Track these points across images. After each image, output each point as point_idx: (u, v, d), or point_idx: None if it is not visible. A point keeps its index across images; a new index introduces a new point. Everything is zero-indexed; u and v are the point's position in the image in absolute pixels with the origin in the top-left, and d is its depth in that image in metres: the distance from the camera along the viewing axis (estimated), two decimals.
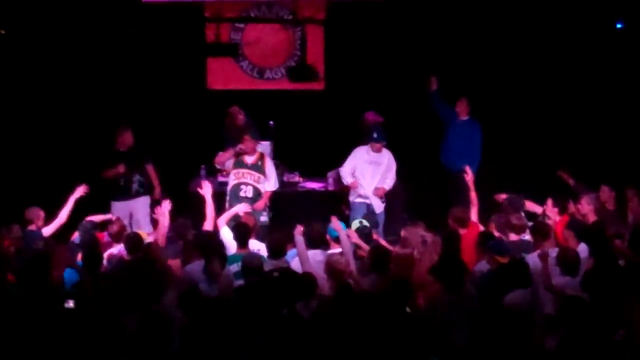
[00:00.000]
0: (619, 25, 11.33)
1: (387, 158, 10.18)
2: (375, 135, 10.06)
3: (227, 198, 9.77)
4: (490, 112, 11.20)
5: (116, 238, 8.26)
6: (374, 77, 11.68)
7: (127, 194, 10.28)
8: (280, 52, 12.29)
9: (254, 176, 9.79)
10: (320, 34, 12.06)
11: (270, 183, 9.88)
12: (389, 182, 10.19)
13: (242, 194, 9.71)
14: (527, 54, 11.51)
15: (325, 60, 12.06)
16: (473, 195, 8.78)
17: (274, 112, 11.09)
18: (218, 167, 10.25)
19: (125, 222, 9.81)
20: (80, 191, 8.99)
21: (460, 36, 11.52)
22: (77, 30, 11.24)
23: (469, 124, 10.88)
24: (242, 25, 12.24)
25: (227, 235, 8.16)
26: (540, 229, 7.87)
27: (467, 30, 11.49)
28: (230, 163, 9.93)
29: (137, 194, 10.34)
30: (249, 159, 9.84)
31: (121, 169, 10.17)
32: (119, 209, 10.07)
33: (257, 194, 9.75)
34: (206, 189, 8.68)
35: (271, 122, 10.72)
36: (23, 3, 11.02)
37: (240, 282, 7.18)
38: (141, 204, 10.33)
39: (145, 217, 10.16)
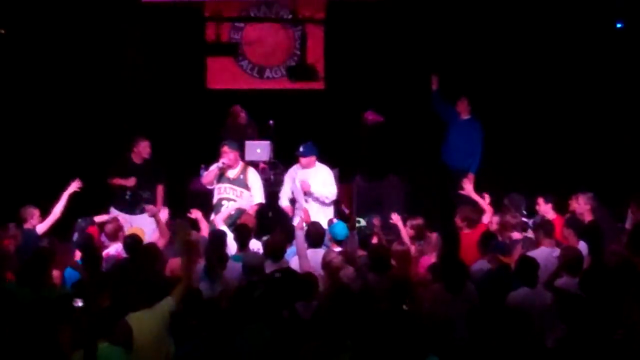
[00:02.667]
0: (618, 25, 11.33)
1: (313, 175, 9.40)
2: (301, 149, 9.38)
3: (212, 214, 9.24)
4: (490, 111, 11.19)
5: (112, 237, 8.18)
6: (373, 77, 11.69)
7: (131, 209, 9.69)
8: (280, 52, 12.30)
9: (236, 191, 9.32)
10: (320, 34, 12.09)
11: (256, 196, 9.36)
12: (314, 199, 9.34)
13: (223, 210, 9.19)
14: (527, 54, 11.50)
15: (325, 59, 12.08)
16: (481, 201, 8.72)
17: (273, 111, 11.09)
18: (208, 187, 9.51)
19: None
20: (74, 187, 8.77)
21: (460, 36, 11.52)
22: (77, 30, 11.25)
23: (470, 123, 10.86)
24: (242, 25, 12.26)
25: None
26: (545, 227, 7.85)
27: (467, 30, 11.49)
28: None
29: (142, 212, 9.58)
30: (231, 173, 9.33)
31: (130, 182, 9.59)
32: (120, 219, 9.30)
33: (240, 210, 9.20)
34: (195, 215, 8.66)
35: (271, 122, 10.72)
36: (23, 3, 11.02)
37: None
38: (145, 221, 9.43)
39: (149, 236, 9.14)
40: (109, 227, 8.28)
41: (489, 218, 8.49)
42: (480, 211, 8.63)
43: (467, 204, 8.87)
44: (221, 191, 9.33)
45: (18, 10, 10.99)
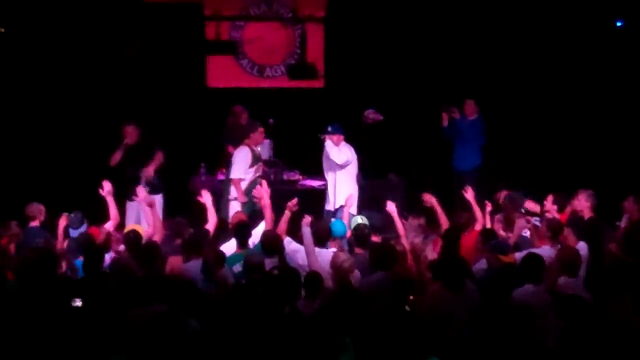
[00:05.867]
0: (619, 24, 11.33)
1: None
2: (329, 128, 9.97)
3: (241, 190, 9.63)
4: (490, 110, 11.19)
5: (104, 247, 7.89)
6: (373, 75, 11.70)
7: (133, 192, 9.72)
8: (280, 50, 12.31)
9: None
10: (320, 32, 12.09)
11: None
12: None
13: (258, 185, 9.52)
14: (526, 53, 11.51)
15: (325, 58, 12.09)
16: (477, 211, 8.71)
17: (273, 110, 11.09)
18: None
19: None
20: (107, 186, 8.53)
21: (461, 34, 11.52)
22: (77, 28, 11.25)
23: (477, 123, 10.83)
24: (242, 24, 12.27)
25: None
26: (554, 226, 7.82)
27: (468, 28, 11.50)
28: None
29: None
30: (259, 148, 10.04)
31: (115, 159, 9.85)
32: (130, 209, 9.76)
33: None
34: (206, 198, 8.61)
35: (271, 120, 10.72)
36: (23, 2, 11.03)
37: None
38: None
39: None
40: (100, 238, 8.02)
41: (480, 226, 8.45)
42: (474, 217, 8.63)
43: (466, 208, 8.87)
44: (259, 169, 9.92)
45: (18, 9, 10.99)
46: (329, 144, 9.91)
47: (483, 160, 10.95)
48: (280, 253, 7.63)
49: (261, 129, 9.95)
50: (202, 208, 8.55)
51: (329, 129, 9.91)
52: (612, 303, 6.03)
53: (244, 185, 9.72)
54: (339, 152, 9.92)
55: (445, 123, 10.97)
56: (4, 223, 8.22)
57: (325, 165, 10.11)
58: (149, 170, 9.95)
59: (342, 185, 9.95)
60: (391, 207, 8.42)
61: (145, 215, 8.56)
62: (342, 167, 9.95)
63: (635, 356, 5.48)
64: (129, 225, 8.57)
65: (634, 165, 10.76)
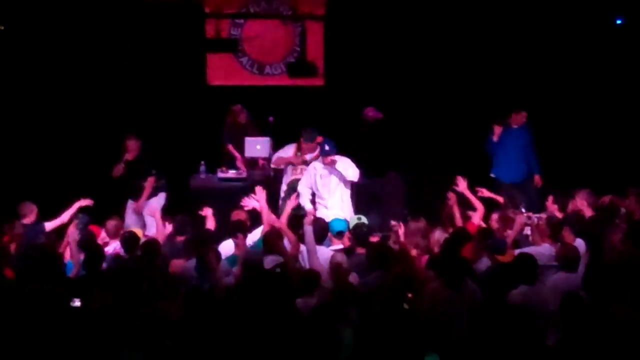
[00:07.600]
0: (618, 21, 11.33)
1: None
2: (327, 147, 9.11)
3: (283, 190, 9.53)
4: (490, 109, 11.19)
5: (113, 235, 8.23)
6: (373, 73, 11.70)
7: (137, 195, 9.89)
8: (279, 48, 12.32)
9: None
10: (320, 30, 12.11)
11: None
12: None
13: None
14: (525, 51, 11.51)
15: (324, 56, 12.10)
16: (474, 199, 8.70)
17: (273, 108, 11.09)
18: (273, 166, 9.89)
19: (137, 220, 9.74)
20: (86, 202, 8.77)
21: (457, 30, 11.54)
22: (76, 26, 11.25)
23: (521, 131, 10.55)
24: (241, 21, 12.28)
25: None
26: (554, 224, 7.83)
27: (463, 25, 11.51)
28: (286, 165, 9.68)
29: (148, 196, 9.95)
30: (309, 156, 9.53)
31: (117, 171, 9.76)
32: (129, 218, 9.80)
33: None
34: (206, 212, 8.54)
35: (271, 118, 10.72)
36: None
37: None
38: (153, 201, 9.87)
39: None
40: (110, 223, 8.32)
41: (480, 217, 8.43)
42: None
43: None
44: (297, 172, 9.60)
45: (17, 7, 10.99)
46: (341, 165, 9.11)
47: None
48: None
49: (302, 139, 9.47)
50: (201, 206, 8.57)
51: (327, 148, 9.06)
52: (612, 300, 6.03)
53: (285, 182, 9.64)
54: (354, 169, 9.20)
55: (496, 137, 10.54)
56: (9, 221, 8.24)
57: (321, 182, 9.25)
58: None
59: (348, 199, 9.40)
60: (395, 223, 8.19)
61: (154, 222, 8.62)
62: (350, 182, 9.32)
63: (635, 354, 5.49)
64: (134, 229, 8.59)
65: (635, 163, 10.76)
